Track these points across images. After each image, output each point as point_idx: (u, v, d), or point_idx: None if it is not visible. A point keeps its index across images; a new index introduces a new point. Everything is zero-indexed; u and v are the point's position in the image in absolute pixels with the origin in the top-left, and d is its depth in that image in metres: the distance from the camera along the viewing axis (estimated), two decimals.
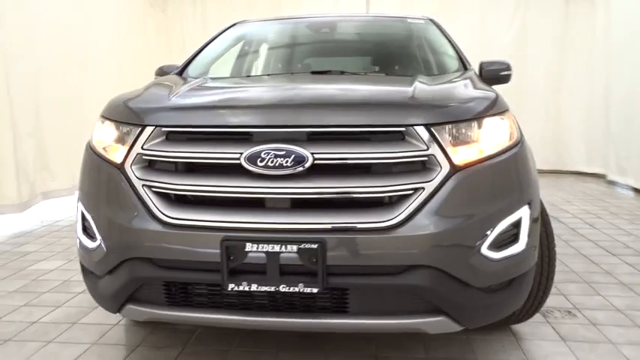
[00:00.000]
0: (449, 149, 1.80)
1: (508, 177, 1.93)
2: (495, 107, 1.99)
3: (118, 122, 1.99)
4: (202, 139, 1.86)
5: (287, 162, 1.73)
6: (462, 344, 2.38)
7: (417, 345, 2.37)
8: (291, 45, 3.39)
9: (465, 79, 2.39)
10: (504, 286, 1.95)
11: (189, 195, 1.82)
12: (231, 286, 1.73)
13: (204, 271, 1.77)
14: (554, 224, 4.55)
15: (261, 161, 1.74)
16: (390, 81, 2.33)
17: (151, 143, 1.88)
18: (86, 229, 2.05)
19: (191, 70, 2.95)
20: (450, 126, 1.83)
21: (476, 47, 7.52)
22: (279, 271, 1.71)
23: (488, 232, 1.82)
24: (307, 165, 1.73)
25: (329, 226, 1.71)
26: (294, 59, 3.29)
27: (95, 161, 2.02)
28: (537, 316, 2.64)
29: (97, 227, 1.95)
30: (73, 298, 2.93)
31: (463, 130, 1.85)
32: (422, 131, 1.78)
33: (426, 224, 1.73)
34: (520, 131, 2.11)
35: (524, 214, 1.95)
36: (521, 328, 2.54)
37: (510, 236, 1.92)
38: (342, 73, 2.69)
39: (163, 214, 1.80)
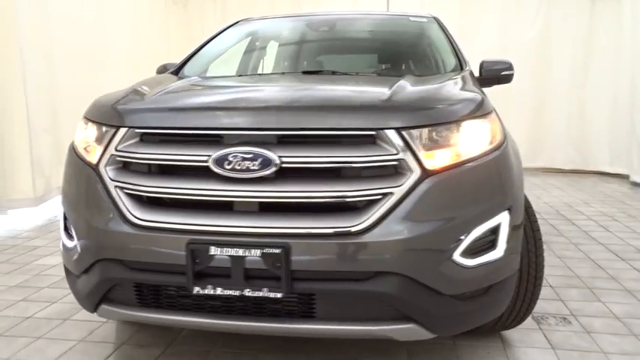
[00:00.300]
0: (421, 153, 1.75)
1: (486, 182, 1.88)
2: (475, 110, 1.93)
3: (96, 123, 2.00)
4: (174, 141, 1.86)
5: (254, 165, 1.72)
6: (447, 350, 2.33)
7: (400, 350, 2.33)
8: (288, 44, 3.37)
9: (456, 79, 2.33)
10: (481, 293, 1.90)
11: (159, 197, 1.82)
12: (196, 289, 1.73)
13: (171, 274, 1.77)
14: (566, 227, 4.48)
15: (228, 164, 1.73)
16: (374, 82, 2.28)
17: (125, 144, 1.88)
18: (66, 229, 2.08)
19: (188, 68, 2.97)
20: (424, 130, 1.78)
21: (497, 45, 7.40)
22: (244, 275, 1.70)
23: (462, 239, 1.78)
24: (274, 168, 1.71)
25: (294, 231, 1.69)
26: (290, 58, 3.27)
27: (75, 161, 2.04)
28: (530, 322, 2.58)
29: (73, 227, 1.98)
30: (69, 294, 2.96)
31: (437, 134, 1.80)
32: (393, 135, 1.74)
33: (393, 230, 1.69)
34: (505, 134, 2.05)
35: (503, 219, 1.89)
36: (511, 334, 2.48)
37: (487, 242, 1.87)
38: (334, 73, 2.66)
39: (133, 215, 1.81)
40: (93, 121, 2.03)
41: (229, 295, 1.72)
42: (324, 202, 1.72)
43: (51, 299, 2.91)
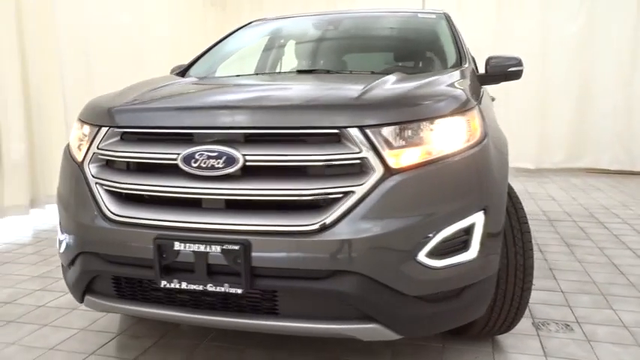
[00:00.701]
0: (385, 152, 1.73)
1: (458, 181, 1.83)
2: (448, 108, 1.88)
3: (84, 122, 2.10)
4: (150, 139, 1.92)
5: (219, 163, 1.76)
6: (434, 352, 2.30)
7: (386, 350, 2.31)
8: (297, 43, 3.40)
9: (447, 76, 2.30)
10: (453, 295, 1.86)
11: (134, 194, 1.90)
12: (163, 282, 1.79)
13: (143, 267, 1.84)
14: (596, 230, 4.29)
15: (194, 162, 1.78)
16: (356, 80, 2.27)
17: (106, 143, 1.97)
18: (60, 223, 2.19)
19: (195, 69, 3.05)
20: (389, 128, 1.76)
21: (536, 39, 7.16)
22: (207, 270, 1.74)
23: (427, 239, 1.75)
24: (238, 166, 1.74)
25: (254, 228, 1.72)
26: (297, 57, 3.30)
27: (66, 160, 2.15)
28: (529, 328, 2.51)
29: (61, 221, 2.09)
30: None
31: (404, 132, 1.78)
32: (356, 133, 1.73)
33: (352, 229, 1.68)
34: (485, 132, 1.99)
35: (477, 220, 1.85)
36: (505, 339, 2.41)
37: (459, 243, 1.83)
38: (328, 72, 2.67)
39: (110, 211, 1.88)
40: (82, 121, 2.13)
41: (193, 289, 1.77)
42: (286, 200, 1.73)
43: (65, 290, 3.04)
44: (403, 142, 1.77)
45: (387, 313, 1.75)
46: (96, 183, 1.95)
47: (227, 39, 3.37)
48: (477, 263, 1.86)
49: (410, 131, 1.79)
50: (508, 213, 2.17)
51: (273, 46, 3.35)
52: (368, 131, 1.74)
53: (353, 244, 1.68)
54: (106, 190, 1.93)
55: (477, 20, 7.32)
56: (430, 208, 1.76)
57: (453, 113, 1.88)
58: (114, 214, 1.88)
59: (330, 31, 3.25)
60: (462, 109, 1.92)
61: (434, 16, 3.23)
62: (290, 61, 3.19)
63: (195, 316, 1.85)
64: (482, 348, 2.33)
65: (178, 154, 1.81)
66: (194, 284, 1.76)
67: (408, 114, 1.81)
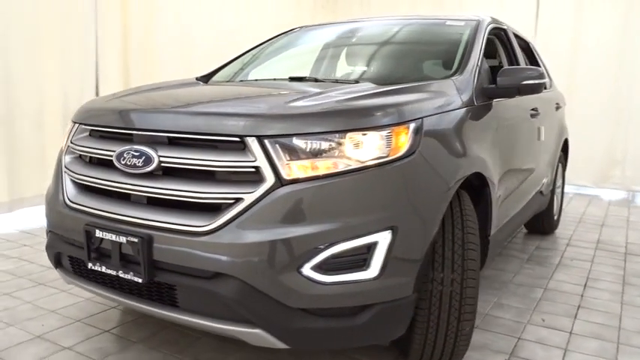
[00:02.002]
0: (279, 163, 1.76)
1: (358, 197, 1.79)
2: (360, 122, 1.84)
3: (72, 120, 2.41)
4: (104, 137, 2.15)
5: (139, 162, 1.92)
6: None
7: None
8: (323, 49, 3.45)
9: (413, 87, 2.25)
10: (349, 313, 1.82)
11: (83, 184, 2.14)
12: (90, 264, 2.00)
13: (82, 249, 2.08)
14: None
15: (123, 160, 1.96)
16: (304, 91, 2.28)
17: (76, 138, 2.25)
18: None
19: (222, 73, 3.26)
20: (286, 139, 1.78)
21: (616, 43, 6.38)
22: (120, 258, 1.92)
23: (314, 253, 1.74)
24: (153, 166, 1.89)
25: (155, 224, 1.86)
26: (316, 63, 3.37)
27: (60, 153, 2.48)
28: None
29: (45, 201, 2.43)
30: None
31: (301, 145, 1.78)
32: (253, 143, 1.78)
33: (236, 235, 1.74)
34: (414, 149, 1.89)
35: (380, 239, 1.79)
36: None
37: (357, 260, 1.79)
38: (316, 80, 2.69)
39: (68, 198, 2.16)
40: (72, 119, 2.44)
41: (109, 273, 1.96)
42: (187, 201, 1.84)
43: None
44: (299, 155, 1.78)
45: (269, 321, 1.78)
46: (64, 172, 2.24)
47: (264, 45, 3.53)
48: (378, 284, 1.80)
49: (308, 144, 1.79)
50: (452, 237, 2.04)
51: (294, 53, 3.44)
52: (266, 141, 1.78)
53: (234, 249, 1.74)
54: (70, 179, 2.21)
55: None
56: (320, 222, 1.75)
57: (362, 128, 1.83)
58: (70, 200, 2.15)
59: (344, 39, 3.25)
60: (377, 124, 1.85)
61: (462, 23, 3.07)
62: (300, 67, 3.27)
63: (119, 297, 2.04)
64: None
65: (114, 151, 2.01)
66: (110, 269, 1.95)
67: (307, 126, 1.80)
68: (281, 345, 1.83)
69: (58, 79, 4.76)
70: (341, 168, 1.79)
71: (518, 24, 6.91)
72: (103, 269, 1.97)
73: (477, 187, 2.47)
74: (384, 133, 1.86)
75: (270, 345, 1.84)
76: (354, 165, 1.79)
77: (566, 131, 4.72)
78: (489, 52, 3.50)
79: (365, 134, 1.83)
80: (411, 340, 2.10)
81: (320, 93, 2.10)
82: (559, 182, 4.78)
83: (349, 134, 1.82)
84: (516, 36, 3.88)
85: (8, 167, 4.46)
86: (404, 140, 1.89)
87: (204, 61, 6.11)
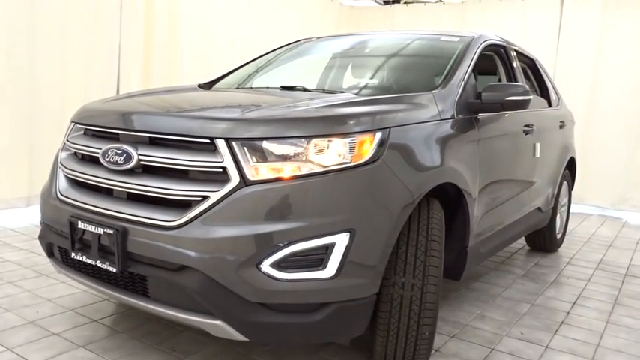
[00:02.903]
0: (245, 164, 1.87)
1: (319, 199, 1.89)
2: (326, 129, 1.94)
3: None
4: (95, 136, 2.31)
5: (120, 160, 2.06)
6: None
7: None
8: (325, 61, 3.57)
9: (387, 99, 2.37)
10: (307, 309, 1.91)
11: (72, 178, 2.30)
12: (73, 254, 2.15)
13: (67, 239, 2.22)
14: None
15: (107, 157, 2.11)
16: (286, 99, 2.41)
17: (72, 136, 2.41)
18: None
19: (226, 80, 3.41)
20: (253, 142, 1.89)
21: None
22: (98, 248, 2.06)
23: (273, 251, 1.84)
24: (132, 164, 2.03)
25: (129, 217, 1.99)
26: (322, 74, 3.48)
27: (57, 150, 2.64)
28: None
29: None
30: None
31: (269, 148, 1.89)
32: (222, 144, 1.90)
33: (201, 230, 1.86)
34: (377, 157, 1.98)
35: (338, 241, 1.89)
36: None
37: (314, 260, 1.88)
38: (305, 89, 2.81)
39: (59, 191, 2.32)
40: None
41: (89, 263, 2.09)
42: (160, 198, 1.97)
43: None
44: (265, 157, 1.89)
45: (228, 314, 1.88)
46: (59, 167, 2.40)
47: (268, 55, 3.67)
48: (335, 283, 1.89)
49: (273, 147, 1.90)
50: (415, 244, 2.12)
51: (295, 63, 3.57)
52: (233, 144, 1.89)
53: (198, 243, 1.85)
54: (63, 175, 2.37)
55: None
56: (281, 222, 1.85)
57: (327, 135, 1.93)
58: (60, 194, 2.30)
59: (343, 51, 3.37)
60: (341, 131, 1.95)
61: (457, 39, 3.15)
62: (297, 76, 3.40)
63: (98, 286, 2.17)
64: None
65: (100, 149, 2.16)
66: (90, 259, 2.09)
67: (273, 132, 1.92)
68: (241, 337, 1.93)
69: (80, 80, 5.01)
70: (304, 172, 1.89)
71: (540, 39, 6.97)
72: (84, 259, 2.11)
73: (454, 198, 2.54)
74: (348, 140, 1.95)
75: (230, 336, 1.94)
76: (317, 169, 1.90)
77: (573, 150, 4.70)
78: (488, 69, 3.57)
79: (330, 141, 1.93)
80: (374, 342, 2.18)
81: (294, 101, 2.21)
82: (564, 201, 4.75)
83: (314, 140, 1.92)
84: (520, 53, 3.92)
85: (29, 164, 4.71)
86: (367, 148, 1.98)
87: (225, 69, 6.33)
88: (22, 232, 4.17)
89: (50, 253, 2.46)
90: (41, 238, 2.44)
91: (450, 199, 2.53)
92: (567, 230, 5.12)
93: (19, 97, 4.60)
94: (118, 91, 5.36)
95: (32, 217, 4.51)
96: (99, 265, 2.06)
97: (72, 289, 3.07)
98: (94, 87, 5.09)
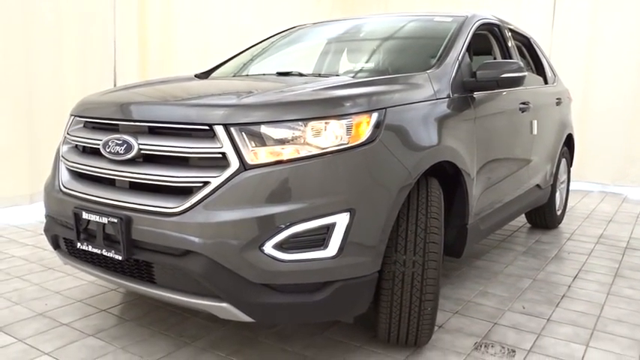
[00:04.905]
0: (244, 149, 1.90)
1: (319, 180, 1.91)
2: (321, 111, 1.96)
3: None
4: (95, 128, 2.33)
5: (121, 150, 2.09)
6: (340, 350, 2.35)
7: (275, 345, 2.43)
8: (322, 46, 3.59)
9: (381, 80, 2.38)
10: (310, 289, 1.95)
11: (75, 170, 2.33)
12: (79, 244, 2.18)
13: (72, 230, 2.25)
14: None
15: (108, 147, 2.14)
16: (282, 84, 2.42)
17: (72, 129, 2.43)
18: None
19: (222, 69, 3.43)
20: (251, 127, 1.92)
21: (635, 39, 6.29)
22: (104, 237, 2.09)
23: (276, 232, 1.87)
24: (133, 153, 2.06)
25: (133, 206, 2.02)
26: (318, 59, 3.50)
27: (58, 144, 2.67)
28: (467, 345, 2.40)
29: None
30: None
31: (267, 132, 1.92)
32: (220, 130, 1.92)
33: (204, 215, 1.88)
34: (374, 138, 2.00)
35: (339, 220, 1.91)
36: (429, 351, 2.34)
37: (316, 240, 1.91)
38: (301, 74, 2.82)
39: (62, 183, 2.35)
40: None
41: (95, 252, 2.13)
42: (163, 185, 2.00)
43: None
44: (263, 141, 1.92)
45: (234, 296, 1.92)
46: (60, 160, 2.43)
47: (264, 43, 3.68)
48: (336, 262, 1.92)
49: (271, 131, 1.92)
50: (415, 221, 2.15)
51: (291, 50, 3.58)
52: (232, 129, 1.92)
53: (201, 228, 1.88)
54: (65, 167, 2.39)
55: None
56: (281, 204, 1.88)
57: (323, 117, 1.95)
58: (64, 186, 2.33)
59: (338, 36, 3.38)
60: (337, 113, 1.97)
61: (450, 19, 3.16)
62: (294, 62, 3.42)
63: (105, 275, 2.21)
64: (395, 355, 2.32)
65: (101, 140, 2.18)
66: (95, 248, 2.12)
67: (271, 116, 1.94)
68: (247, 318, 1.97)
69: (77, 76, 5.03)
70: (302, 154, 1.91)
71: (534, 20, 6.96)
72: (90, 248, 2.14)
73: (453, 176, 2.57)
74: (344, 121, 1.98)
75: (236, 318, 1.98)
76: (315, 151, 1.92)
77: (570, 126, 4.72)
78: (483, 48, 3.58)
79: (327, 122, 1.96)
80: (377, 319, 2.22)
81: (291, 85, 2.23)
82: (563, 177, 4.78)
83: (311, 122, 1.95)
84: (514, 32, 3.93)
85: (30, 161, 4.74)
86: (364, 128, 2.00)
87: (221, 59, 6.34)
88: (27, 229, 4.22)
89: (56, 245, 2.50)
90: (47, 231, 2.48)
91: (448, 177, 2.56)
92: (568, 207, 5.16)
93: (18, 95, 4.62)
94: (115, 85, 5.37)
95: (36, 214, 4.55)
96: (105, 254, 2.09)
97: (79, 281, 3.12)
98: (92, 82, 5.09)
